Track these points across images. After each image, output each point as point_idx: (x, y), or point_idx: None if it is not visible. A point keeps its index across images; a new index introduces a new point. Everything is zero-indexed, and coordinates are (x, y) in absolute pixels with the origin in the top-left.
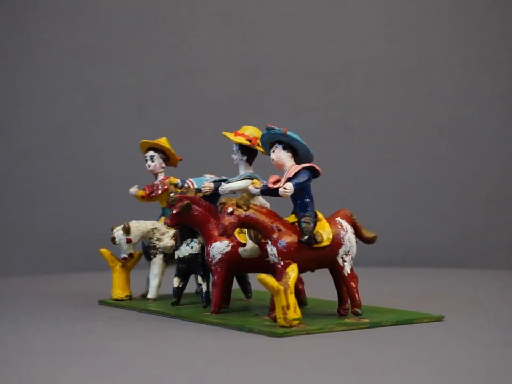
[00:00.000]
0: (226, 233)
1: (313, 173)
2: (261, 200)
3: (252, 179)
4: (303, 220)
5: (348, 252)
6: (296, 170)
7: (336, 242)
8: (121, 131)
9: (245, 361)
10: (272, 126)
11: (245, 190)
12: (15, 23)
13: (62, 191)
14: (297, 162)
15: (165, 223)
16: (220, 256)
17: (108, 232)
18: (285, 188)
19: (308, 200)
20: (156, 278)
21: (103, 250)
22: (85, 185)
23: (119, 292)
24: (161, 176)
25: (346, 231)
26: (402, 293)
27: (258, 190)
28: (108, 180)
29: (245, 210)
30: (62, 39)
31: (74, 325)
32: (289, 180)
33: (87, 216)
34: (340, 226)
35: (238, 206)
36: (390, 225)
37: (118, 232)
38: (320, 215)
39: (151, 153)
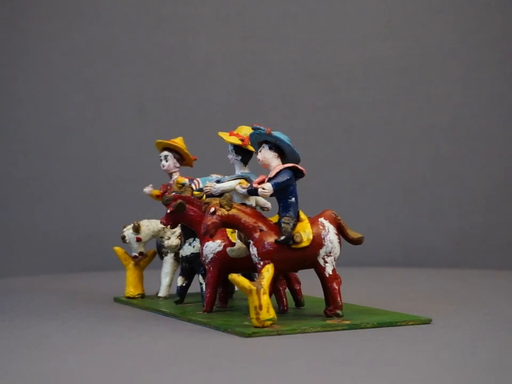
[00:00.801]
0: (208, 233)
1: (297, 173)
2: (260, 200)
3: (245, 179)
4: (282, 220)
5: (330, 252)
6: (277, 170)
7: (317, 243)
8: (121, 131)
9: (196, 360)
10: (258, 126)
11: (235, 190)
12: (15, 23)
13: (62, 191)
14: (285, 162)
15: (161, 223)
16: (212, 255)
17: (108, 232)
18: (263, 188)
19: (291, 200)
20: (167, 277)
21: (116, 248)
22: (85, 185)
23: (131, 289)
24: (175, 176)
25: (328, 231)
26: (397, 294)
27: (244, 190)
28: (108, 180)
29: (228, 210)
30: (62, 39)
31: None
32: (269, 179)
33: (87, 216)
34: (321, 227)
35: (221, 206)
36: (390, 225)
37: (128, 231)
38: (303, 216)
39: (165, 153)
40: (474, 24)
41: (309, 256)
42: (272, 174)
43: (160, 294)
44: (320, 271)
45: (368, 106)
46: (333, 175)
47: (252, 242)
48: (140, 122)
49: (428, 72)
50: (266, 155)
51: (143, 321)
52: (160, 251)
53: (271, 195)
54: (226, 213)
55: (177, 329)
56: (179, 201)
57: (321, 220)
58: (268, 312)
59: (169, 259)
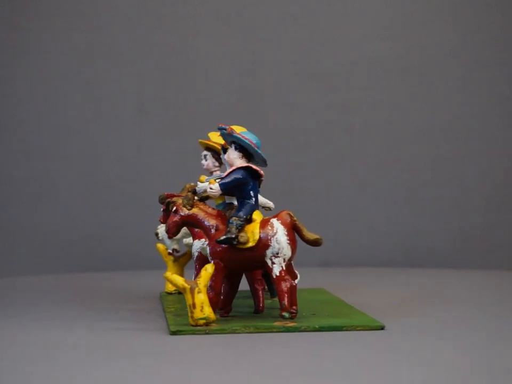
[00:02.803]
0: (169, 232)
1: (253, 173)
2: (261, 199)
3: None
4: (230, 220)
5: (277, 253)
6: (231, 170)
7: (263, 244)
8: (121, 131)
9: (114, 355)
10: (222, 126)
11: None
12: (15, 23)
13: (62, 191)
14: (253, 163)
15: (159, 221)
16: (197, 253)
17: (108, 232)
18: (211, 188)
19: (247, 201)
20: None
21: (158, 245)
22: (85, 185)
23: (169, 285)
24: (217, 174)
25: (276, 232)
26: (383, 296)
27: (199, 190)
28: (108, 180)
29: (189, 210)
30: (62, 39)
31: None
32: (222, 179)
33: (87, 216)
34: (269, 228)
35: (183, 205)
36: (390, 225)
37: (161, 228)
38: (255, 216)
39: (205, 152)
40: (474, 24)
41: (257, 257)
42: (225, 173)
43: None
44: (268, 272)
45: (368, 106)
46: (333, 175)
47: (208, 242)
48: (139, 122)
49: (427, 72)
50: (231, 155)
51: (129, 318)
52: None
53: (230, 195)
54: (187, 212)
55: (132, 328)
56: (167, 200)
57: (273, 220)
58: (202, 311)
59: None
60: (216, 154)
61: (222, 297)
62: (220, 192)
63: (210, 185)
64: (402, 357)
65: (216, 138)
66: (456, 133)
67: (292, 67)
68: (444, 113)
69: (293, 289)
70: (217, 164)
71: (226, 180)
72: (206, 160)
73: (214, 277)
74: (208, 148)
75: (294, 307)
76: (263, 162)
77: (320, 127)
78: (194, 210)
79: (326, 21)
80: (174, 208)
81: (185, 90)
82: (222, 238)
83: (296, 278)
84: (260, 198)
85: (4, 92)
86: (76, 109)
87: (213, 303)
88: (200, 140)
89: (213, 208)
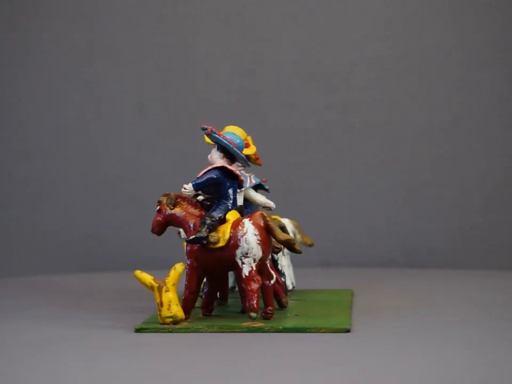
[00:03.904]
0: (153, 231)
1: (229, 174)
2: (260, 199)
3: None
4: (202, 219)
5: (246, 253)
6: (206, 170)
7: (233, 244)
8: (121, 131)
9: (75, 350)
10: (204, 126)
11: None
12: (15, 23)
13: (62, 191)
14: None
15: None
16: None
17: (108, 232)
18: (184, 188)
19: (223, 201)
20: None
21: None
22: (85, 185)
23: None
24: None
25: (246, 232)
26: (367, 297)
27: (187, 190)
28: (108, 180)
29: (171, 209)
30: (62, 39)
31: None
32: (196, 179)
33: (87, 216)
34: (240, 228)
35: (166, 204)
36: (390, 225)
37: None
38: (229, 216)
39: None
40: (474, 24)
41: (228, 257)
42: (200, 173)
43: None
44: (238, 271)
45: (368, 106)
46: (333, 175)
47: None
48: (139, 122)
49: (428, 72)
50: (213, 155)
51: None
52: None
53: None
54: (169, 211)
55: (107, 326)
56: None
57: (245, 220)
58: (169, 309)
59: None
60: None
61: (204, 297)
62: (194, 191)
63: (184, 185)
64: (338, 361)
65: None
66: (456, 133)
67: (292, 67)
68: (443, 113)
69: (268, 290)
70: (239, 164)
71: (200, 180)
72: None
73: (188, 276)
74: None
75: (269, 308)
76: (244, 162)
77: (320, 127)
78: (176, 210)
79: (326, 21)
80: (158, 208)
81: (185, 90)
82: (192, 237)
83: (272, 278)
84: (260, 197)
85: (4, 92)
86: (76, 109)
87: (188, 302)
88: None
89: (196, 208)
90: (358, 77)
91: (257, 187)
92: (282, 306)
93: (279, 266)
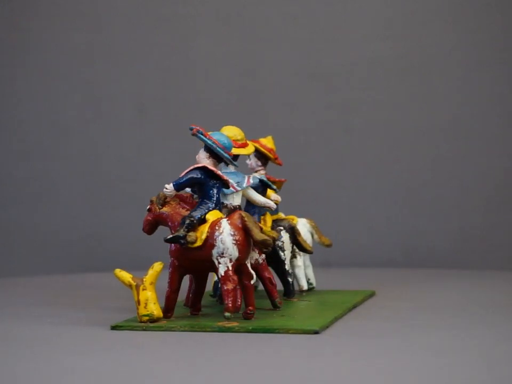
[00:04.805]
0: (143, 230)
1: (210, 173)
2: (259, 198)
3: None
4: (182, 219)
5: (222, 253)
6: (187, 170)
7: (210, 244)
8: (121, 131)
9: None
10: (192, 126)
11: None
12: (15, 23)
13: (62, 191)
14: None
15: None
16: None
17: (108, 232)
18: (165, 188)
19: (205, 201)
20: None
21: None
22: (85, 185)
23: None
24: (261, 174)
25: (222, 232)
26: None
27: (168, 190)
28: (108, 180)
29: (159, 209)
30: (62, 39)
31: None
32: (177, 178)
33: (87, 216)
34: (217, 228)
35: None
36: (390, 225)
37: None
38: (208, 216)
39: None
40: (474, 24)
41: (205, 257)
42: (182, 173)
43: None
44: (215, 271)
45: (368, 106)
46: (333, 175)
47: None
48: (139, 122)
49: (427, 72)
50: (200, 155)
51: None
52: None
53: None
54: (158, 211)
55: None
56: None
57: (222, 221)
58: (146, 308)
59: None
60: (259, 154)
61: (191, 296)
62: (174, 191)
63: (166, 185)
64: (287, 362)
65: (265, 141)
66: (456, 133)
67: (292, 67)
68: (444, 113)
69: (248, 290)
70: (259, 163)
71: (181, 180)
72: (250, 160)
73: (170, 275)
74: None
75: (250, 307)
76: (230, 163)
77: (320, 127)
78: (164, 209)
79: (326, 21)
80: (148, 207)
81: (185, 90)
82: (170, 236)
83: (252, 278)
84: (260, 197)
85: (4, 91)
86: (76, 109)
87: (169, 300)
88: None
89: (183, 208)
90: (358, 77)
91: (265, 187)
92: (275, 306)
93: (286, 267)
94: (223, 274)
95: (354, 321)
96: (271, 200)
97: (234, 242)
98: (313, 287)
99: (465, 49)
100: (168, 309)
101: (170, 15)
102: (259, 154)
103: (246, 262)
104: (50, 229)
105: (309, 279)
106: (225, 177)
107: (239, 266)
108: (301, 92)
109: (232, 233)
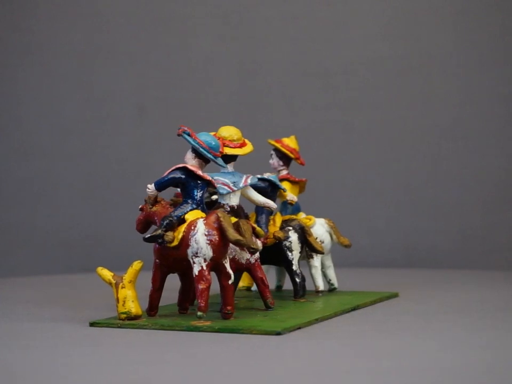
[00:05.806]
0: (136, 228)
1: (190, 173)
2: (258, 198)
3: None
4: (162, 219)
5: (196, 253)
6: (170, 170)
7: (185, 244)
8: (121, 131)
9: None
10: (180, 127)
11: None
12: (15, 23)
13: (62, 191)
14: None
15: None
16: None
17: (108, 232)
18: (148, 188)
19: (187, 201)
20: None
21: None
22: (85, 185)
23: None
24: (282, 173)
25: (196, 232)
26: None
27: (150, 190)
28: (108, 180)
29: (150, 208)
30: (62, 39)
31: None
32: (159, 178)
33: (87, 216)
34: (192, 228)
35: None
36: (390, 225)
37: None
38: (188, 216)
39: (271, 151)
40: (474, 24)
41: (183, 256)
42: (165, 173)
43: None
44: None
45: (368, 106)
46: (333, 175)
47: None
48: (140, 122)
49: (427, 72)
50: (187, 155)
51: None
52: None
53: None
54: (149, 210)
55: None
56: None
57: (198, 220)
58: (124, 305)
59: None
60: (280, 153)
61: (178, 295)
62: (156, 191)
63: (148, 185)
64: (237, 363)
65: (287, 141)
66: (456, 133)
67: (292, 67)
68: (443, 113)
69: (227, 289)
70: (281, 162)
71: (162, 180)
72: (272, 159)
73: (153, 274)
74: (275, 148)
75: (228, 307)
76: (215, 163)
77: (320, 127)
78: (154, 209)
79: (326, 21)
80: (140, 206)
81: (185, 90)
82: (148, 235)
83: (230, 278)
84: (260, 197)
85: (4, 91)
86: (76, 109)
87: (152, 299)
88: (268, 140)
89: (172, 207)
90: (358, 77)
91: (274, 187)
92: (267, 307)
93: (294, 267)
94: (197, 273)
95: (335, 324)
96: (287, 200)
97: (208, 242)
98: (334, 288)
99: (465, 49)
100: (152, 307)
101: (170, 15)
102: (280, 154)
103: (224, 262)
104: (50, 229)
105: (330, 280)
106: (209, 177)
107: (216, 266)
108: (301, 92)
109: (207, 233)
